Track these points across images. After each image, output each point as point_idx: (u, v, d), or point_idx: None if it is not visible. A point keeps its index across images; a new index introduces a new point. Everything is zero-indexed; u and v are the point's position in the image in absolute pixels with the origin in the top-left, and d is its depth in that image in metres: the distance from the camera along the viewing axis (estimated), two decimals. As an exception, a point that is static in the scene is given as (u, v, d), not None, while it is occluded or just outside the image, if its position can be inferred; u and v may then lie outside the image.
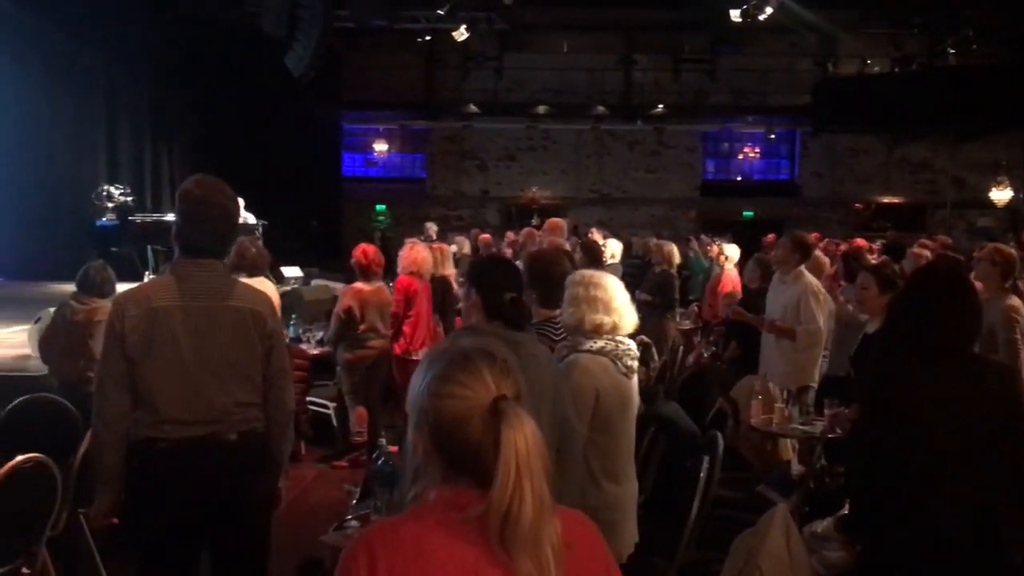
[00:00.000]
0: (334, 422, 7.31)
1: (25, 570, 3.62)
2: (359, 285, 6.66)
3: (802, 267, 5.99)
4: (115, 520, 2.97)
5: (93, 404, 2.93)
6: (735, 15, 16.30)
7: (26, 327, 7.72)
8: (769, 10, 15.88)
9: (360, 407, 6.72)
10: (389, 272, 7.44)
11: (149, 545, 2.94)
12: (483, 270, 2.93)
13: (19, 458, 3.44)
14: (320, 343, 7.66)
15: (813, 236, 7.64)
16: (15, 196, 13.77)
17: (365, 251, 6.73)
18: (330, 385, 7.50)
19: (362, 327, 6.56)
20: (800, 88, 21.56)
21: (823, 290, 6.07)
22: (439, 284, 7.29)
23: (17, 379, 6.10)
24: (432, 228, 14.12)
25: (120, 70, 15.48)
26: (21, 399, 4.61)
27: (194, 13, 15.27)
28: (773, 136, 23.20)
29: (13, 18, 13.33)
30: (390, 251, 8.74)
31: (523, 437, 1.37)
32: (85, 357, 5.21)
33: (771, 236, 13.76)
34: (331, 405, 7.34)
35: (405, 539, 1.40)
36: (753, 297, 6.90)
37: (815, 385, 5.83)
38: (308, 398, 7.28)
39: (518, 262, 6.88)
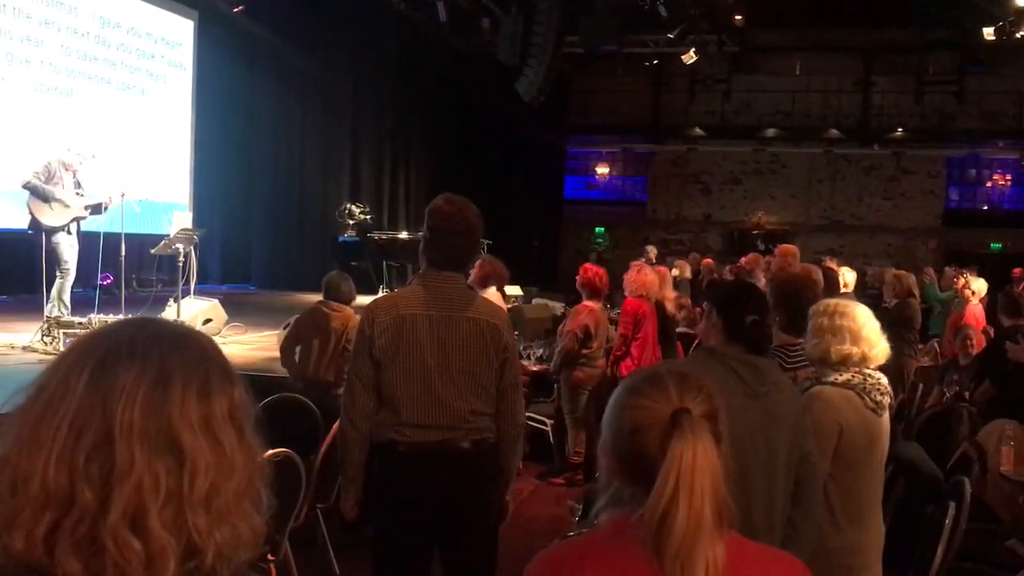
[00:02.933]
0: (551, 439, 7.38)
1: (270, 557, 3.88)
2: (591, 304, 6.66)
3: None
4: (355, 516, 3.13)
5: (342, 404, 3.09)
6: (988, 33, 15.16)
7: (275, 332, 8.36)
8: (1029, 26, 14.66)
9: (580, 427, 6.73)
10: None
11: (385, 543, 3.07)
12: (726, 291, 2.86)
13: (269, 452, 3.67)
14: (540, 360, 7.75)
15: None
16: (268, 213, 15.09)
17: (596, 272, 6.72)
18: (547, 402, 7.58)
19: (594, 346, 6.58)
20: (1062, 111, 19.81)
21: None
22: (658, 307, 7.20)
23: (267, 379, 6.54)
24: (652, 251, 14.06)
25: (364, 97, 16.49)
26: (270, 398, 4.92)
27: (433, 43, 16.07)
28: (1028, 163, 21.41)
29: (275, 50, 14.57)
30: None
31: (691, 452, 1.30)
32: (334, 360, 5.52)
33: (1019, 270, 12.67)
34: (548, 422, 7.41)
35: (581, 563, 1.38)
36: (1005, 335, 6.34)
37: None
38: (527, 414, 7.38)
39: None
